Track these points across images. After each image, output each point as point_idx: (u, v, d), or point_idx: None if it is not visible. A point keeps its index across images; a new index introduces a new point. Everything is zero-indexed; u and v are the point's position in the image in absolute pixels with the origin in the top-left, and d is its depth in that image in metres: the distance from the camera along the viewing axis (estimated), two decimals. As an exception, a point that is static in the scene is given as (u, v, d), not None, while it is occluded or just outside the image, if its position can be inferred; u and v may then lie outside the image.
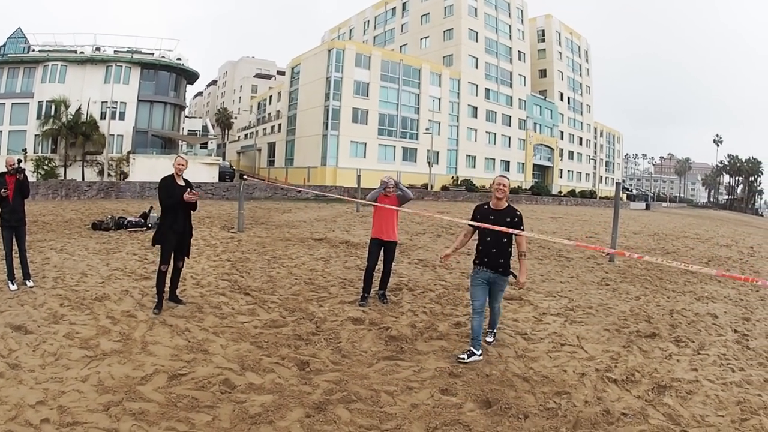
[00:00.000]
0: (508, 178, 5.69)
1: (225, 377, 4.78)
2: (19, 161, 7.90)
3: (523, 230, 5.47)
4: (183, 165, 7.04)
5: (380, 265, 7.81)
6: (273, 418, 4.06)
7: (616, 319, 7.30)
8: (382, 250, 7.68)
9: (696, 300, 8.91)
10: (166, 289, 7.16)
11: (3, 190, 7.56)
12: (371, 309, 7.33)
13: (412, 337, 6.09)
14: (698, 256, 14.87)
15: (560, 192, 71.40)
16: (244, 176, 19.04)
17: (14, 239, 7.89)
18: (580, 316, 7.39)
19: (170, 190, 6.85)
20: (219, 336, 5.96)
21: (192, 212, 7.19)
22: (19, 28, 48.11)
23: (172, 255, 7.04)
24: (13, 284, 7.65)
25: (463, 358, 5.36)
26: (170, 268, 7.08)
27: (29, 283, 7.83)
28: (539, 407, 4.38)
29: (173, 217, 6.90)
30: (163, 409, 4.14)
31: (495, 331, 6.21)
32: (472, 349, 5.49)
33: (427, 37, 67.78)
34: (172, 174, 7.04)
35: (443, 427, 4.01)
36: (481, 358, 5.43)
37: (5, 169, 7.74)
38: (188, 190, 6.92)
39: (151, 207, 16.09)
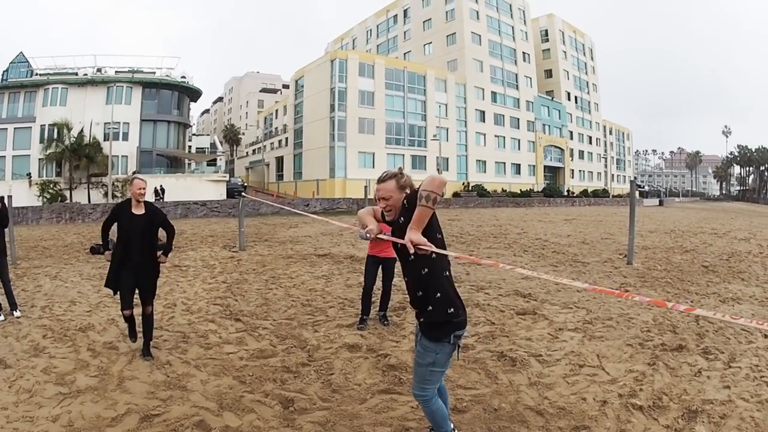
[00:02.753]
0: (397, 176, 3.36)
1: (200, 418, 4.28)
2: None
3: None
4: (143, 189, 5.82)
5: (380, 284, 7.22)
6: (246, 470, 3.52)
7: (639, 331, 6.64)
8: (380, 268, 7.10)
9: (721, 303, 8.26)
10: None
11: None
12: (371, 332, 6.74)
13: (412, 364, 5.49)
14: (717, 252, 14.16)
15: (571, 192, 70.87)
16: (243, 194, 18.59)
17: None
18: (599, 329, 6.74)
19: (119, 219, 5.76)
20: (201, 370, 5.45)
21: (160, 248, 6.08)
22: (21, 52, 48.43)
23: (134, 297, 5.83)
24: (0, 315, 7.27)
25: None
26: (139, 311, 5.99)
27: (16, 313, 7.47)
28: (555, 449, 3.78)
29: (125, 252, 5.72)
30: (129, 456, 3.66)
31: None
32: None
33: (430, 42, 67.96)
34: (129, 200, 5.87)
35: (440, 482, 3.41)
36: None
37: None
38: (150, 218, 5.85)
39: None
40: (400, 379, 5.13)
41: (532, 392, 4.78)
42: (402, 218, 3.20)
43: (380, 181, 3.36)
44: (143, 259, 5.78)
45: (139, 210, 5.81)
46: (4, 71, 47.92)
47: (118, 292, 5.78)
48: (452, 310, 3.21)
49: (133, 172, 44.22)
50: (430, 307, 3.21)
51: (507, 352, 5.83)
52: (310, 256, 13.67)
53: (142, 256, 5.77)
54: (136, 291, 5.87)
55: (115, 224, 5.82)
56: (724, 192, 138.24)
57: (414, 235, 2.95)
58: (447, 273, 3.27)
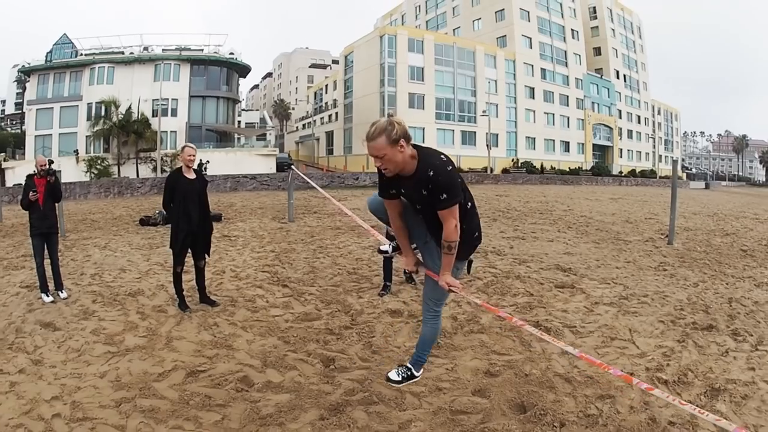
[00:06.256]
0: (386, 129, 3.14)
1: (244, 374, 4.56)
2: (50, 162, 7.22)
3: (450, 206, 3.19)
4: (192, 155, 6.50)
5: None
6: (284, 419, 3.79)
7: (672, 309, 6.62)
8: None
9: (755, 287, 8.05)
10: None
11: (32, 194, 6.94)
12: (413, 299, 6.91)
13: (452, 331, 5.65)
14: (758, 237, 13.75)
15: (621, 172, 69.36)
16: (292, 165, 18.85)
17: (46, 248, 7.20)
18: (634, 305, 6.76)
19: (176, 186, 6.36)
20: (247, 331, 5.74)
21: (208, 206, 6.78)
22: (65, 34, 49.75)
23: (188, 254, 6.60)
24: (48, 296, 7.01)
25: (398, 381, 4.05)
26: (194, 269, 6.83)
27: (63, 294, 7.12)
28: (578, 413, 3.87)
29: (185, 214, 6.34)
30: (174, 406, 3.98)
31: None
32: (413, 369, 4.10)
33: (479, 18, 67.10)
34: (180, 167, 6.54)
35: (466, 437, 3.59)
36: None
37: (35, 171, 7.14)
38: (201, 182, 6.59)
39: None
40: (437, 342, 5.25)
41: (563, 361, 4.88)
42: (424, 190, 3.28)
43: (369, 138, 3.14)
44: (201, 218, 6.49)
45: (190, 175, 6.51)
46: (47, 53, 49.22)
47: (175, 251, 6.50)
48: (477, 234, 3.66)
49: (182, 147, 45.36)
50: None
51: (542, 322, 5.94)
52: (358, 227, 13.70)
53: (200, 215, 6.48)
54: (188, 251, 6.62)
55: None
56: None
57: (448, 279, 3.43)
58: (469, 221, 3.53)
